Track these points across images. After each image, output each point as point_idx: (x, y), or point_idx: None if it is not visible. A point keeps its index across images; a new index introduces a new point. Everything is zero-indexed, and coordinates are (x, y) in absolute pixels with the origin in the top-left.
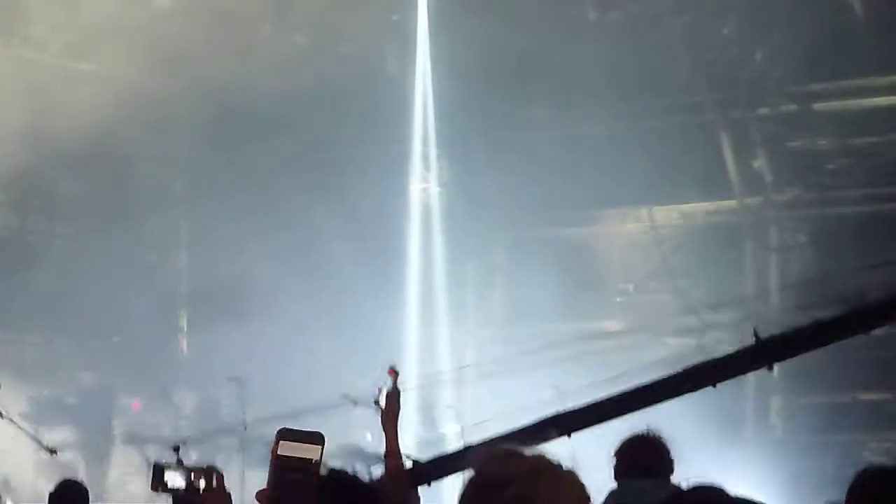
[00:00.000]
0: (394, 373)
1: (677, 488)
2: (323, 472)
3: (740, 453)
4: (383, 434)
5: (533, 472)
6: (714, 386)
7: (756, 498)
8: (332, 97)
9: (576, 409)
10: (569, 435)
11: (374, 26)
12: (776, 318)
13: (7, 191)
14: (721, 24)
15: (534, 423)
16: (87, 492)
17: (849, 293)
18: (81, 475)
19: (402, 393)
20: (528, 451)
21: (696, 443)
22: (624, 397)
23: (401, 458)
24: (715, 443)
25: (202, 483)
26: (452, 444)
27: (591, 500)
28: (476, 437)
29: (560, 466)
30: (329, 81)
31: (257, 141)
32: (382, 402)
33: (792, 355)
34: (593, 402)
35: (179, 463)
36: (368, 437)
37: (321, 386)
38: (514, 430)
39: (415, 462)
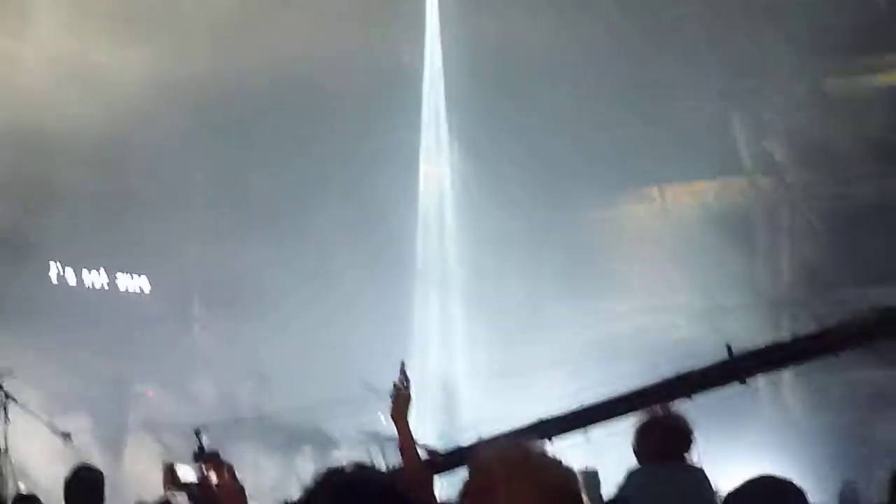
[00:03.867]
0: (401, 369)
1: (702, 473)
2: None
3: (755, 434)
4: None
5: (507, 467)
6: (690, 398)
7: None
8: (342, 87)
9: (558, 416)
10: (550, 440)
11: (385, 14)
12: (788, 297)
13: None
14: (734, 4)
15: (522, 427)
16: (102, 477)
17: (859, 273)
18: (96, 461)
19: (411, 385)
20: (521, 447)
21: (712, 423)
22: (601, 408)
23: (415, 451)
24: (730, 423)
25: (214, 476)
26: (472, 435)
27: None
28: (494, 429)
29: (542, 460)
30: (340, 71)
31: (270, 132)
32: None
33: (764, 372)
34: (574, 411)
35: (201, 449)
36: (383, 419)
37: (337, 375)
38: (512, 430)
39: (432, 453)
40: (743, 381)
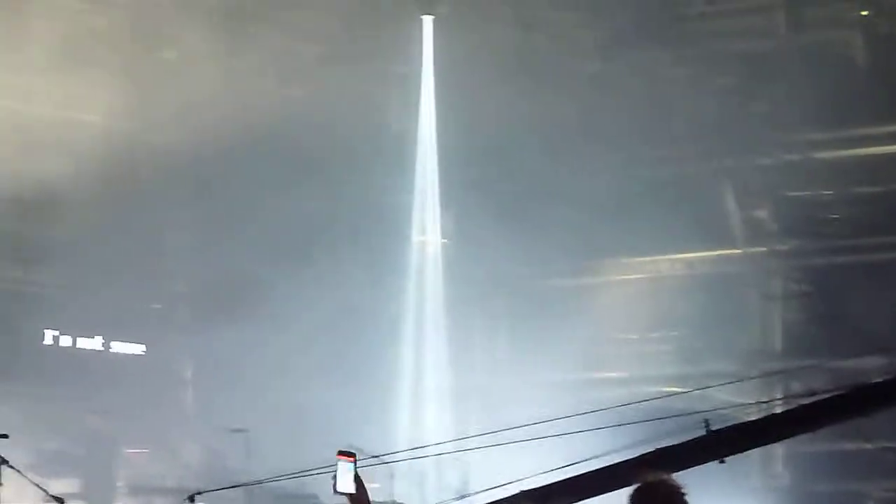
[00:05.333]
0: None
1: None
2: None
3: (747, 501)
4: None
5: None
6: (671, 473)
7: None
8: (335, 148)
9: (550, 485)
10: None
11: (379, 78)
12: (779, 365)
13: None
14: (721, 74)
15: (513, 496)
16: None
17: (849, 341)
18: None
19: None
20: None
21: (703, 490)
22: (588, 479)
23: None
24: (722, 490)
25: None
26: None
27: None
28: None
29: None
30: (332, 134)
31: (260, 191)
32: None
33: (743, 449)
34: (566, 480)
35: None
36: (376, 485)
37: (323, 436)
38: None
39: None
40: (721, 460)
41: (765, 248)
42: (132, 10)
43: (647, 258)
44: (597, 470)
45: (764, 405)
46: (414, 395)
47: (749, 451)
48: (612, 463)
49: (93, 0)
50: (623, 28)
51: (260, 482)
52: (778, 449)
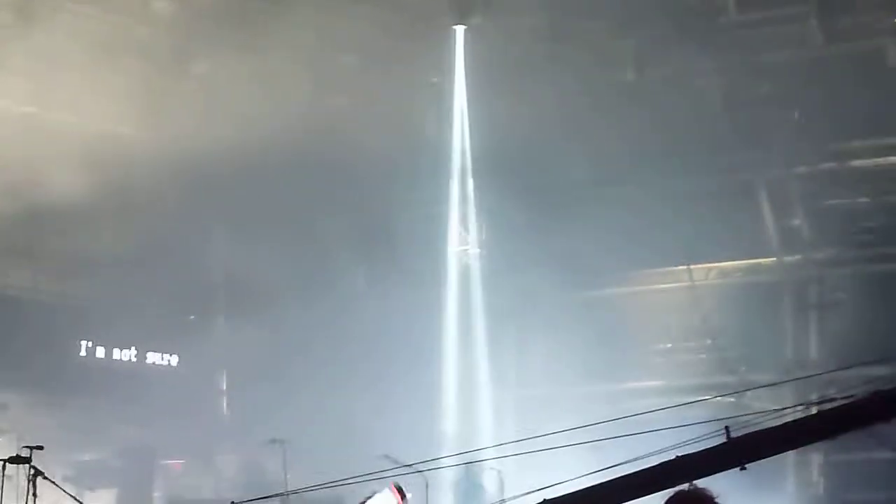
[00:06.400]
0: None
1: None
2: None
3: None
4: None
5: None
6: (691, 483)
7: None
8: (370, 159)
9: (572, 493)
10: None
11: (412, 89)
12: (814, 373)
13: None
14: (757, 84)
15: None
16: None
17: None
18: None
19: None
20: None
21: (738, 499)
22: (605, 489)
23: None
24: (756, 498)
25: None
26: None
27: None
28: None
29: None
30: (367, 143)
31: (295, 201)
32: None
33: (764, 456)
34: (588, 489)
35: None
36: (409, 496)
37: (361, 446)
38: None
39: None
40: (743, 467)
41: (800, 257)
42: (167, 23)
43: (683, 267)
44: (617, 478)
45: (791, 412)
46: (452, 405)
47: (785, 460)
48: (632, 472)
49: (127, 13)
50: (658, 38)
51: (296, 491)
52: (813, 457)
